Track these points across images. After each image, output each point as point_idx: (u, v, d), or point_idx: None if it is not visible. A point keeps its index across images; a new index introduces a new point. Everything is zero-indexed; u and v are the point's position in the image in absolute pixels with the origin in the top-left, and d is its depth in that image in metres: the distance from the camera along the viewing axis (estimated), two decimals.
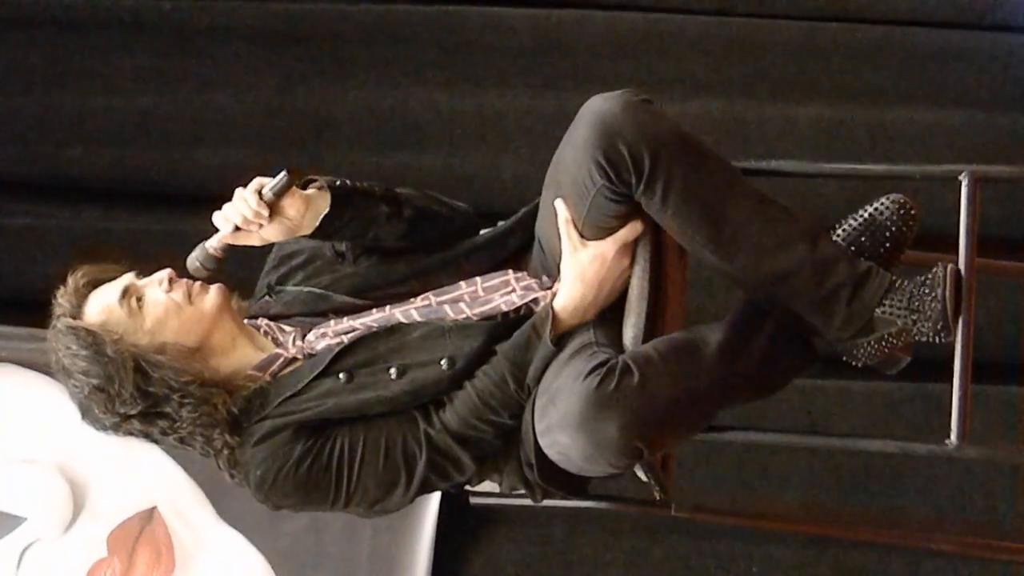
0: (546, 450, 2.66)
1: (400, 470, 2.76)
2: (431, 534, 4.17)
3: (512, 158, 4.36)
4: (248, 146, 4.39)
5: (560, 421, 2.58)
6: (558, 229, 2.81)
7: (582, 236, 2.79)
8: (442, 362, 2.78)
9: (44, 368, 4.05)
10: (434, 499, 4.15)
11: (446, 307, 2.86)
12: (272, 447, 2.76)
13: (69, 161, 4.46)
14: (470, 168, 4.36)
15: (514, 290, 2.87)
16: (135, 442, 2.88)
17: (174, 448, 2.86)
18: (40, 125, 4.47)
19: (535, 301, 2.84)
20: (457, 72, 4.41)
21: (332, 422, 2.78)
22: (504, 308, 2.85)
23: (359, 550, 4.20)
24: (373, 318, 2.86)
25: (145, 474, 4.14)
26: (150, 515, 4.15)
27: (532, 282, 2.88)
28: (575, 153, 2.70)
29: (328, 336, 2.87)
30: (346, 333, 2.86)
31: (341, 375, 2.79)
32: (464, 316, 2.84)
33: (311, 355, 2.87)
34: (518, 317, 2.83)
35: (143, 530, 4.13)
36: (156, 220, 4.43)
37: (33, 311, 3.65)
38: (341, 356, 2.82)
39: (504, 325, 2.82)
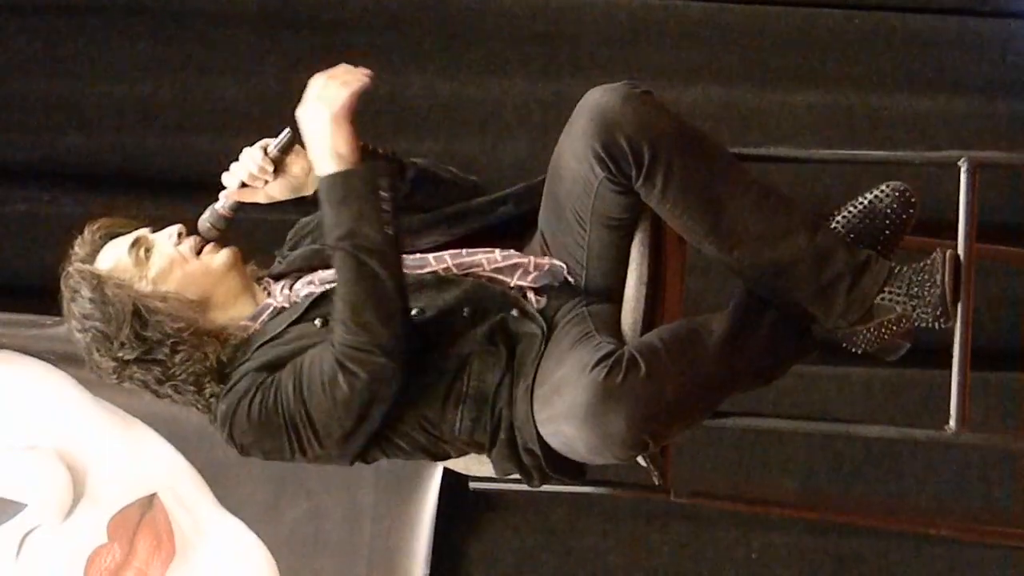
0: (548, 439, 2.67)
1: (325, 388, 2.71)
2: (431, 520, 4.18)
3: (511, 144, 4.36)
4: (248, 132, 4.31)
5: (565, 412, 2.59)
6: (559, 223, 2.84)
7: (588, 232, 2.81)
8: (412, 311, 2.78)
9: (44, 355, 4.08)
10: (434, 485, 4.16)
11: (429, 256, 2.88)
12: (239, 385, 2.79)
13: (69, 148, 4.46)
14: (469, 154, 4.36)
15: (495, 252, 2.89)
16: (136, 429, 2.91)
17: (173, 401, 2.89)
18: (40, 112, 4.47)
19: (515, 267, 2.86)
20: (456, 58, 4.42)
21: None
22: (485, 264, 2.87)
23: (359, 536, 4.21)
24: None
25: (145, 460, 4.15)
26: (150, 501, 4.15)
27: (514, 252, 2.89)
28: (575, 146, 2.71)
29: (314, 284, 2.90)
30: (329, 281, 2.88)
31: (317, 320, 2.82)
32: (444, 267, 2.86)
33: (297, 303, 2.89)
34: (491, 286, 2.84)
35: (143, 516, 4.14)
36: (156, 207, 4.42)
37: (33, 298, 3.67)
38: (319, 303, 2.84)
39: (478, 287, 2.83)
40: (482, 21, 4.40)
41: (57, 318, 2.92)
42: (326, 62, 4.36)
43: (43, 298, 3.04)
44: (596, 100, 2.69)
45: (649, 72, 4.28)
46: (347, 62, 2.82)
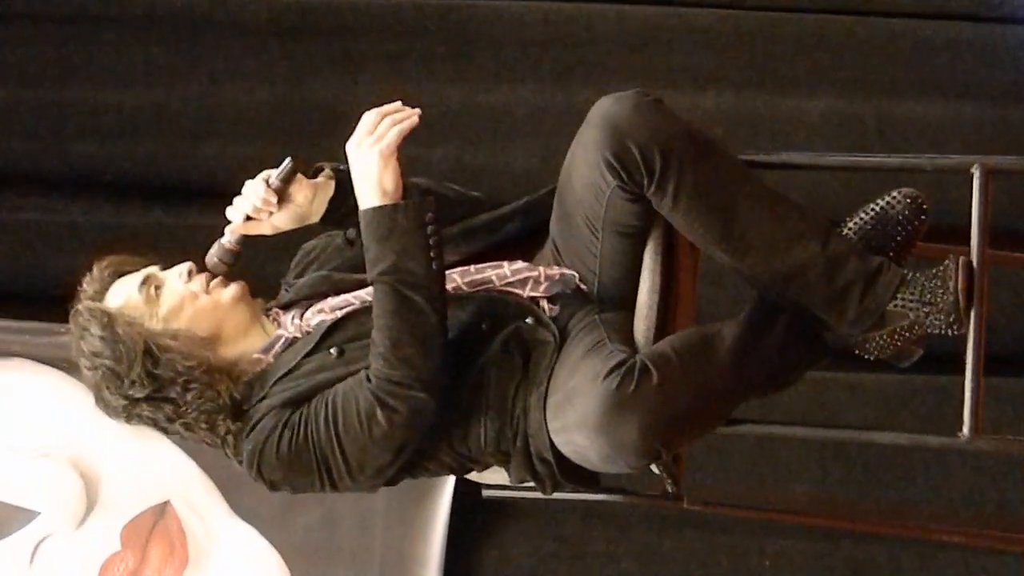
0: (560, 448, 2.67)
1: (363, 424, 2.72)
2: (444, 528, 4.18)
3: (522, 151, 4.36)
4: (259, 140, 4.40)
5: (578, 422, 2.59)
6: (571, 231, 2.84)
7: (601, 240, 2.81)
8: None
9: (57, 363, 4.08)
10: (447, 493, 4.16)
11: None
12: (263, 423, 2.78)
13: (81, 155, 4.47)
14: (480, 161, 4.36)
15: (504, 267, 2.89)
16: (148, 436, 2.92)
17: (182, 438, 2.90)
18: (51, 119, 4.48)
19: (525, 280, 2.85)
20: (467, 65, 4.42)
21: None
22: (495, 280, 2.86)
23: (372, 544, 4.21)
24: (368, 291, 2.84)
25: (158, 468, 4.16)
26: (163, 509, 4.16)
27: (523, 265, 2.89)
28: (586, 155, 2.71)
29: (324, 312, 2.90)
30: (341, 308, 2.88)
31: (332, 350, 2.81)
32: (455, 285, 2.85)
33: (309, 332, 2.89)
34: (505, 297, 2.85)
35: (156, 524, 4.15)
36: (168, 214, 4.44)
37: (46, 306, 3.68)
38: (332, 331, 2.84)
39: (492, 300, 2.84)
40: (493, 28, 4.40)
41: (69, 326, 2.92)
42: (336, 70, 4.41)
43: (55, 306, 3.05)
44: (607, 108, 2.69)
45: (660, 79, 4.27)
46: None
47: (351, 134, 2.74)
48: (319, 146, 4.23)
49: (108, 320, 2.83)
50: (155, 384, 2.80)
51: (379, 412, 2.69)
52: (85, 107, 4.47)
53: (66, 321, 2.92)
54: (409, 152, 2.76)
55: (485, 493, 3.19)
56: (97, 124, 4.46)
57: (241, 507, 4.19)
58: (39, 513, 4.12)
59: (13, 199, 4.49)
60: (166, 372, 2.80)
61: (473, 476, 3.02)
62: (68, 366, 4.12)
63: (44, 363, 4.18)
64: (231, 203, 2.85)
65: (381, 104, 2.76)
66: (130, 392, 2.82)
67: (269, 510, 4.17)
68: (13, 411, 4.19)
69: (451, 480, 4.13)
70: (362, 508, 4.17)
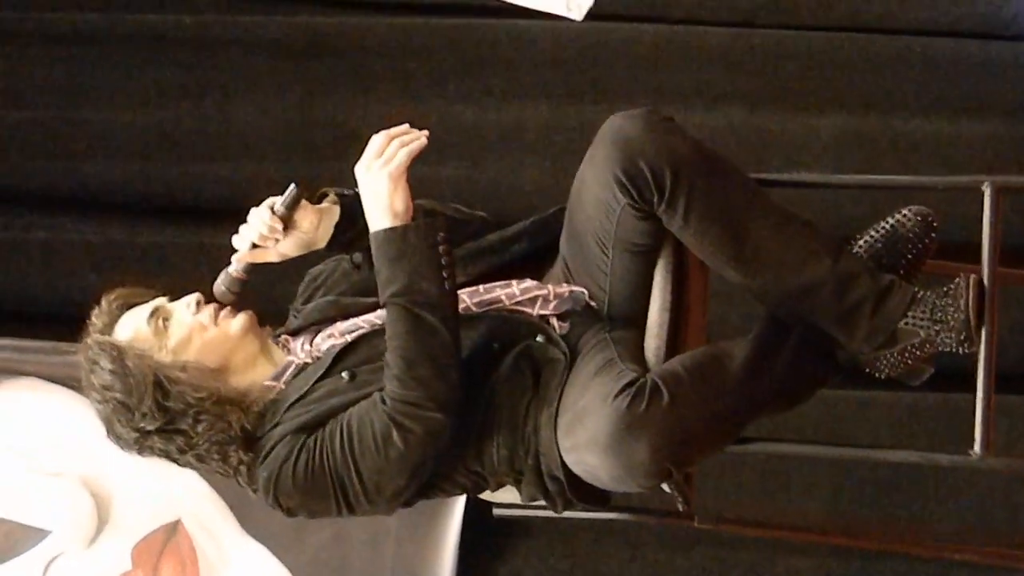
0: (572, 467, 2.67)
1: (379, 446, 2.72)
2: (454, 546, 4.17)
3: (533, 170, 4.36)
4: (270, 159, 4.41)
5: (588, 442, 2.59)
6: (581, 249, 2.84)
7: (611, 257, 2.81)
8: None
9: (68, 382, 4.08)
10: (458, 511, 4.15)
11: None
12: (278, 450, 2.78)
13: (92, 175, 4.47)
14: (490, 180, 4.36)
15: (512, 286, 2.89)
16: None
17: (195, 468, 2.90)
18: (63, 139, 4.48)
19: (534, 299, 2.86)
20: (478, 84, 4.42)
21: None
22: (504, 300, 2.87)
23: (383, 563, 4.20)
24: (377, 314, 2.86)
25: (169, 487, 4.15)
26: (174, 528, 4.16)
27: (532, 283, 2.89)
28: (596, 173, 2.72)
29: (334, 336, 2.90)
30: (351, 332, 2.88)
31: (344, 374, 2.82)
32: (464, 306, 2.85)
33: (319, 358, 2.89)
34: (515, 316, 2.85)
35: (167, 543, 4.15)
36: (179, 234, 4.44)
37: (57, 325, 3.69)
38: (343, 355, 2.85)
39: (503, 320, 2.84)
40: (503, 47, 4.41)
41: (80, 345, 2.92)
42: (347, 89, 4.42)
43: (66, 325, 3.06)
44: (617, 126, 2.70)
45: (671, 97, 4.27)
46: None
47: (362, 153, 2.74)
48: (330, 165, 4.25)
49: (118, 353, 2.84)
50: (166, 416, 2.81)
51: (395, 434, 2.69)
52: (97, 126, 4.47)
53: (77, 340, 2.93)
54: (419, 170, 2.76)
55: (496, 512, 3.18)
56: (109, 143, 4.47)
57: (252, 526, 4.18)
58: (50, 532, 4.12)
59: (25, 218, 4.50)
60: (176, 404, 2.80)
61: (484, 495, 3.02)
62: (79, 385, 4.12)
63: (55, 382, 4.18)
64: (237, 231, 2.86)
65: (391, 124, 2.76)
66: (141, 424, 2.82)
67: (280, 529, 4.17)
68: (24, 430, 4.19)
69: (462, 499, 4.13)
70: (373, 527, 4.16)
